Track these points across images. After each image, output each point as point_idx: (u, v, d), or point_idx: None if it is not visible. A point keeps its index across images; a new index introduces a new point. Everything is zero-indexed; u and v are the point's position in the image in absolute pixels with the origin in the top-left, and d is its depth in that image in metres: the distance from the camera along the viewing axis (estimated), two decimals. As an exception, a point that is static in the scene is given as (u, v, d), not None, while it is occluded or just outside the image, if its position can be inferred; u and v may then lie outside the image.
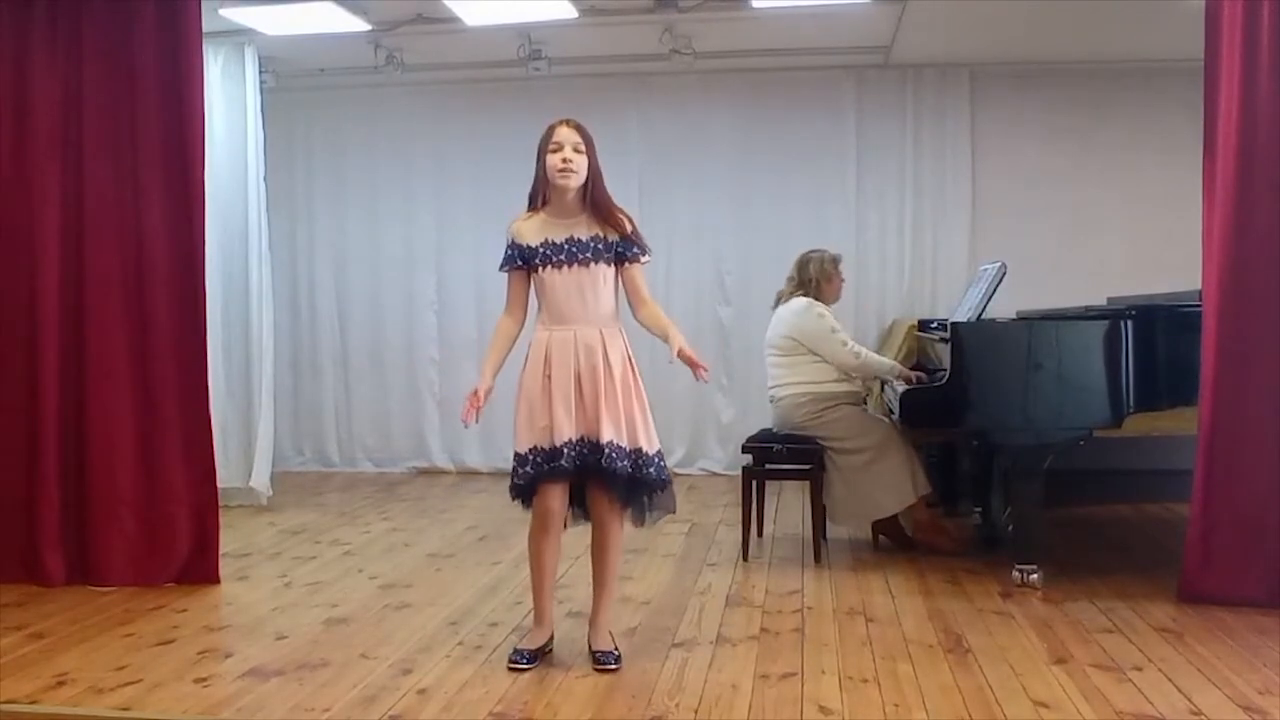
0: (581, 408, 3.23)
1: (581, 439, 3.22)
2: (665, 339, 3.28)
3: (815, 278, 4.87)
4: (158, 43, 4.30)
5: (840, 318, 4.96)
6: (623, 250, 3.29)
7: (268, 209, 6.07)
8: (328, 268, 7.40)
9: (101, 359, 4.31)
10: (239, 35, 5.82)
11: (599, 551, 3.34)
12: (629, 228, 3.29)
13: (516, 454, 3.26)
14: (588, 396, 3.22)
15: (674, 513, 3.45)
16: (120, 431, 4.31)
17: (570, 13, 5.63)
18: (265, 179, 6.02)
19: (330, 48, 6.27)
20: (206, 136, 4.43)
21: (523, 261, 3.30)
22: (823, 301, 4.87)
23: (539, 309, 3.34)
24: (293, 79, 6.79)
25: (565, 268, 3.25)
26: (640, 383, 3.31)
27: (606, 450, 3.18)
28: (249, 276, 5.94)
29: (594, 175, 3.27)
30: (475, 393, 3.26)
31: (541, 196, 3.31)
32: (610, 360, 3.23)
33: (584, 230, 3.28)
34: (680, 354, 3.20)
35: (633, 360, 3.32)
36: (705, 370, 3.22)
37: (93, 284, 4.33)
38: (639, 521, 3.35)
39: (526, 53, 6.34)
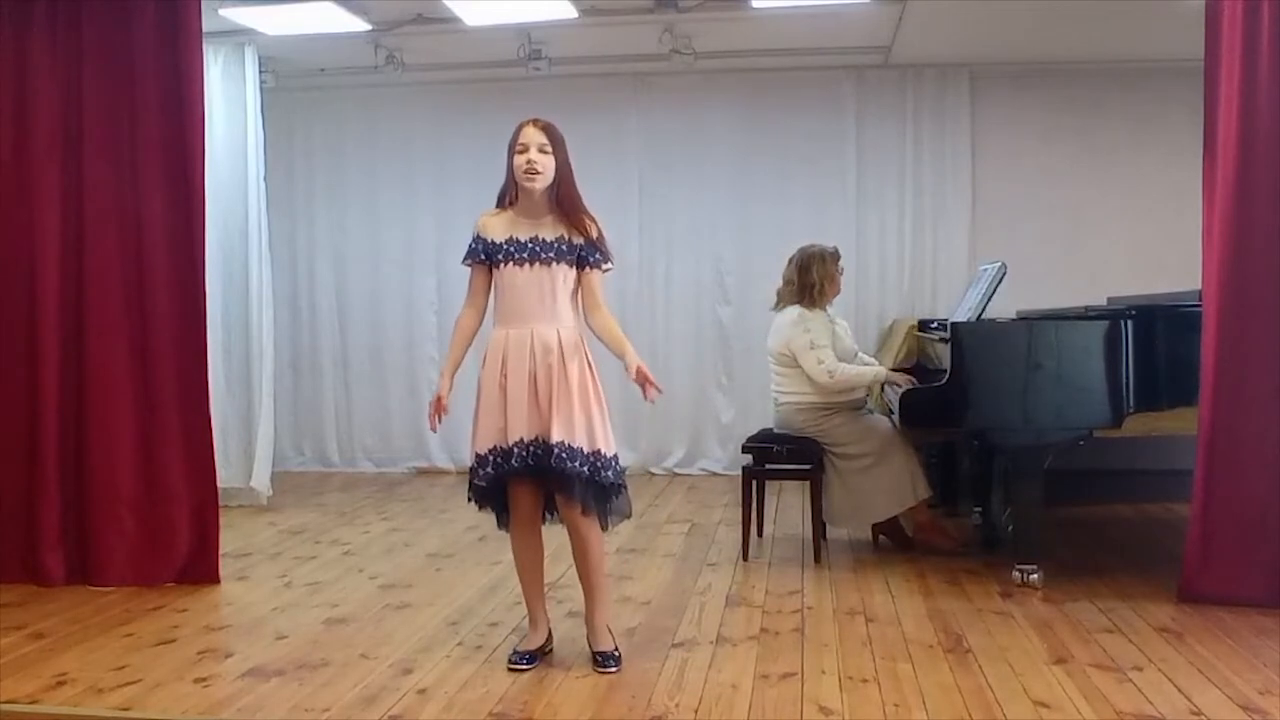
0: (536, 407, 3.21)
1: (535, 439, 3.20)
2: (621, 355, 3.27)
3: (819, 281, 4.74)
4: (158, 43, 4.30)
5: (840, 318, 4.95)
6: (585, 254, 3.27)
7: (268, 209, 6.07)
8: (328, 268, 7.40)
9: (101, 358, 4.32)
10: (239, 35, 5.82)
11: (578, 557, 3.32)
12: (594, 233, 3.27)
13: (476, 455, 3.26)
14: (542, 396, 3.20)
15: (629, 517, 3.43)
16: (120, 431, 4.32)
17: (570, 13, 5.63)
18: (265, 179, 6.02)
19: (330, 48, 6.27)
20: (206, 136, 4.43)
21: (485, 256, 3.29)
22: (825, 301, 4.80)
23: (496, 308, 3.33)
24: (293, 79, 6.80)
25: (527, 266, 3.24)
26: (599, 384, 3.28)
27: (556, 450, 3.16)
28: (249, 276, 5.94)
29: (562, 175, 3.25)
30: (438, 399, 3.29)
31: (511, 194, 3.31)
32: (566, 360, 3.22)
33: (549, 230, 3.27)
34: (638, 373, 3.21)
35: (591, 363, 3.29)
36: (656, 390, 3.22)
37: (93, 284, 4.33)
38: (602, 526, 3.31)
39: (526, 53, 6.35)
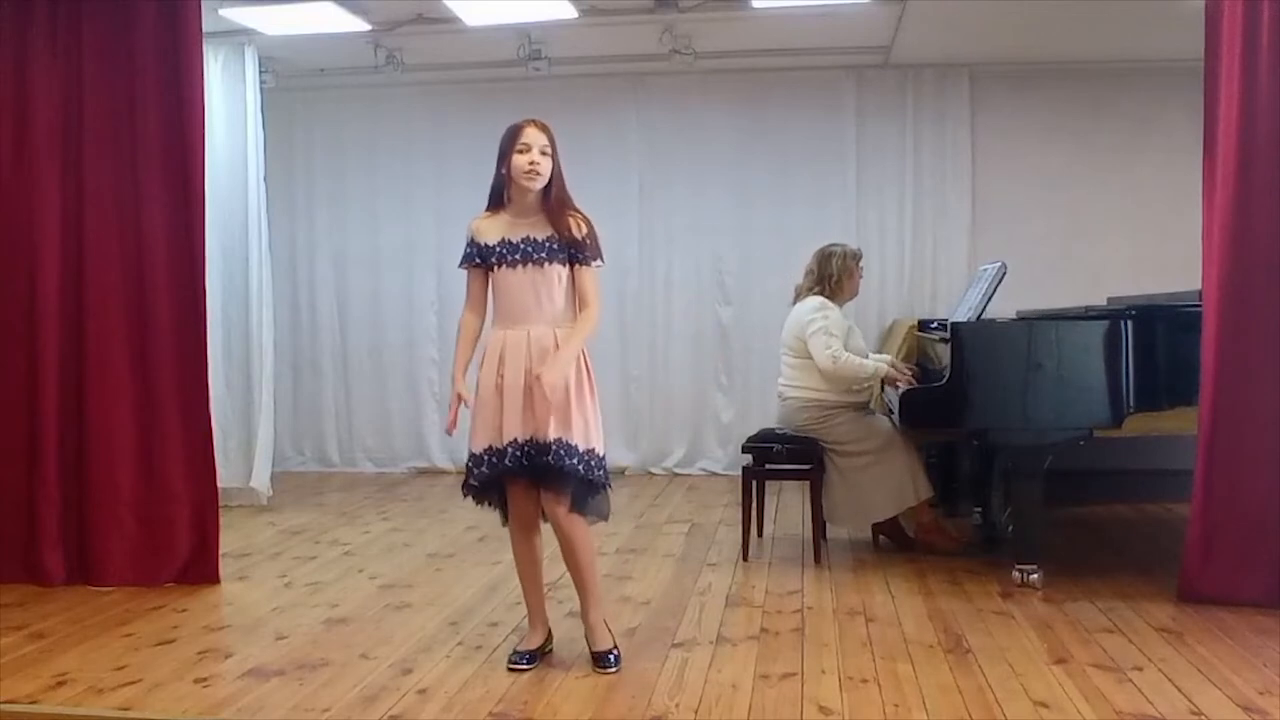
0: (531, 408, 3.20)
1: (530, 439, 3.19)
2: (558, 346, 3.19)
3: (837, 273, 4.81)
4: (158, 42, 4.30)
5: (844, 317, 4.96)
6: (575, 253, 3.27)
7: (268, 209, 6.07)
8: (328, 268, 7.40)
9: (101, 359, 4.31)
10: (239, 35, 5.82)
11: (567, 555, 3.31)
12: (583, 231, 3.26)
13: (471, 454, 3.25)
14: (538, 396, 3.17)
15: (606, 519, 3.39)
16: (120, 431, 4.32)
17: (570, 13, 5.64)
18: (265, 179, 6.02)
19: (330, 48, 6.27)
20: (206, 136, 4.43)
21: (480, 259, 3.29)
22: (840, 297, 4.83)
23: (494, 309, 3.33)
24: (293, 79, 6.80)
25: (520, 267, 3.24)
26: (594, 384, 3.28)
27: (554, 448, 3.15)
28: (249, 276, 5.94)
29: (555, 177, 3.26)
30: (459, 399, 3.26)
31: (503, 196, 3.31)
32: None
33: (541, 230, 3.26)
34: (537, 379, 3.12)
35: (588, 362, 3.29)
36: (543, 391, 3.12)
37: (93, 284, 4.33)
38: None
39: (526, 53, 6.35)
